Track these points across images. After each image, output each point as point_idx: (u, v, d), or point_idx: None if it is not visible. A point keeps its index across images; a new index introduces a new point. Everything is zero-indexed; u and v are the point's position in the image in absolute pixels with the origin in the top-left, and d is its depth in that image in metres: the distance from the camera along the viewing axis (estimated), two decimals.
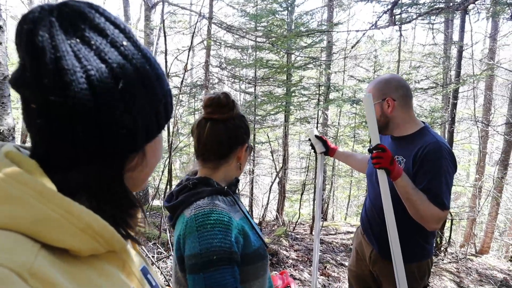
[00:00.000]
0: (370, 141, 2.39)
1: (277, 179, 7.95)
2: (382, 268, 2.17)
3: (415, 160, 1.92)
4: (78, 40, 0.51)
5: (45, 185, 0.51)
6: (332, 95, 8.32)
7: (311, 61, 7.82)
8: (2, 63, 2.78)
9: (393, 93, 2.00)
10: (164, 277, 3.68)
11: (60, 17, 0.51)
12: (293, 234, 6.55)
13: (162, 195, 5.90)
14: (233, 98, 1.30)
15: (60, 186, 0.53)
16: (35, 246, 0.48)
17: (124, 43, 0.56)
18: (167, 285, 3.48)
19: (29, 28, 0.50)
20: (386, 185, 1.81)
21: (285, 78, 7.64)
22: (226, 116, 1.27)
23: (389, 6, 3.71)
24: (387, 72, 9.57)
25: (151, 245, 4.81)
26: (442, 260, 6.26)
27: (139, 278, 0.65)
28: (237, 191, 1.43)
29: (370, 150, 1.86)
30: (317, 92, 7.86)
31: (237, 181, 1.39)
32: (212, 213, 1.15)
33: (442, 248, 6.60)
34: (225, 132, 1.27)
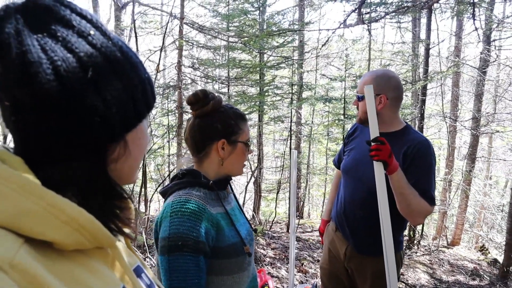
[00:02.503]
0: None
1: (253, 179, 7.97)
2: (358, 263, 2.18)
3: (405, 157, 1.98)
4: (44, 33, 0.52)
5: (28, 179, 0.51)
6: (305, 94, 8.40)
7: (284, 61, 7.87)
8: None
9: (389, 92, 2.03)
10: None
11: (26, 13, 0.52)
12: (269, 232, 6.58)
13: (137, 198, 5.83)
14: (207, 95, 1.33)
15: (46, 182, 0.53)
16: (18, 241, 0.48)
17: (92, 32, 0.56)
18: None
19: None
20: (382, 178, 1.81)
21: (258, 77, 7.66)
22: (199, 113, 1.32)
23: (357, 5, 3.78)
24: (364, 69, 9.74)
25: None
26: (416, 253, 6.42)
27: (130, 276, 0.65)
28: (230, 189, 1.47)
29: (368, 142, 1.86)
30: (290, 91, 7.92)
31: (228, 177, 1.42)
32: (186, 202, 1.21)
33: (415, 241, 6.76)
34: (198, 127, 1.33)
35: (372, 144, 1.82)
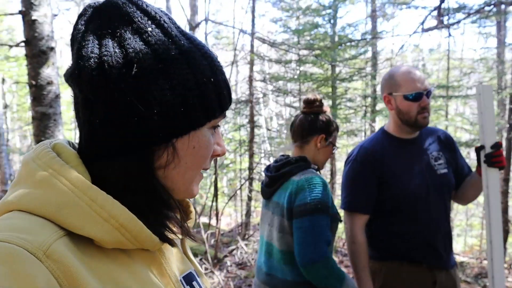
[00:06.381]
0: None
1: None
2: (448, 280, 1.88)
3: (450, 149, 1.97)
4: (109, 30, 0.55)
5: (75, 173, 0.53)
6: (378, 106, 8.12)
7: (356, 72, 7.68)
8: (54, 83, 2.91)
9: None
10: None
11: (99, 12, 0.57)
12: (342, 250, 6.37)
13: (208, 212, 5.95)
14: (323, 101, 1.81)
15: (95, 178, 0.55)
16: (59, 232, 0.49)
17: (149, 29, 0.56)
18: None
19: (74, 23, 0.58)
20: (497, 182, 1.71)
21: (330, 90, 7.55)
22: (311, 110, 1.80)
23: (437, 4, 3.53)
24: (442, 80, 9.26)
25: (198, 261, 4.79)
26: (506, 277, 5.84)
27: (175, 282, 0.62)
28: None
29: (480, 148, 1.75)
30: (363, 103, 7.71)
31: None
32: (317, 177, 1.65)
33: (505, 266, 6.16)
34: (306, 121, 1.79)
35: (495, 150, 1.69)
